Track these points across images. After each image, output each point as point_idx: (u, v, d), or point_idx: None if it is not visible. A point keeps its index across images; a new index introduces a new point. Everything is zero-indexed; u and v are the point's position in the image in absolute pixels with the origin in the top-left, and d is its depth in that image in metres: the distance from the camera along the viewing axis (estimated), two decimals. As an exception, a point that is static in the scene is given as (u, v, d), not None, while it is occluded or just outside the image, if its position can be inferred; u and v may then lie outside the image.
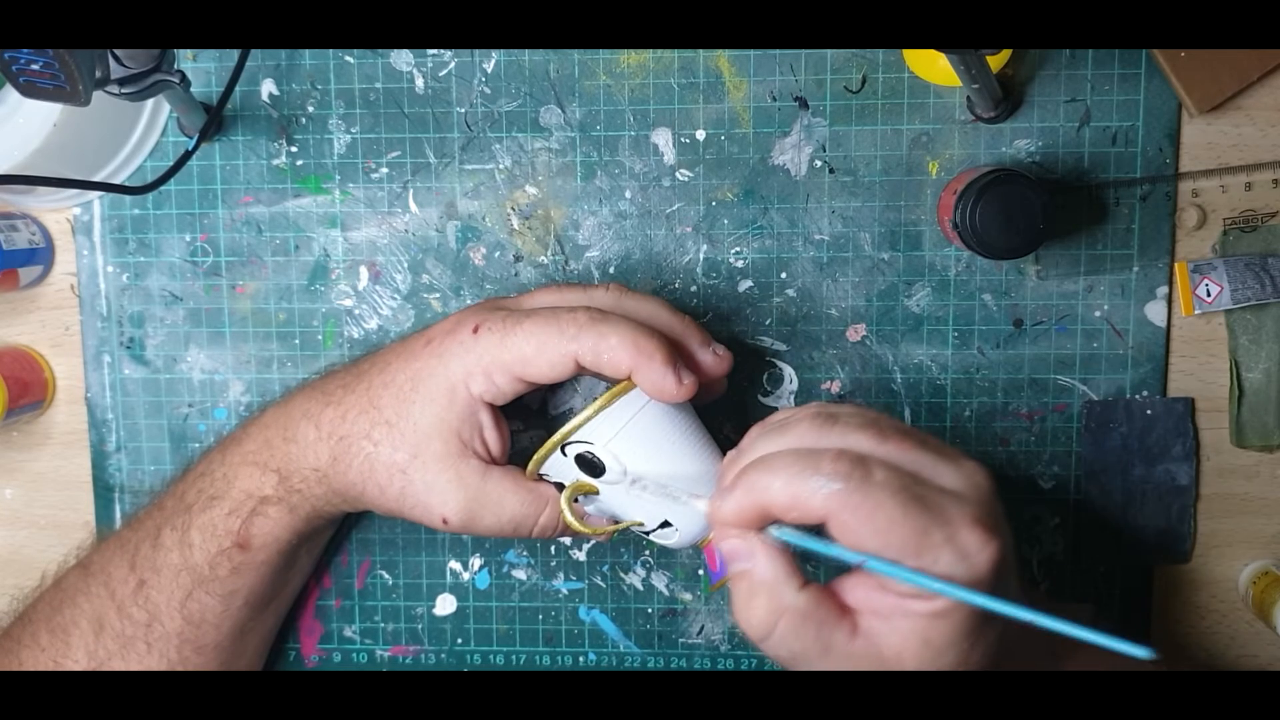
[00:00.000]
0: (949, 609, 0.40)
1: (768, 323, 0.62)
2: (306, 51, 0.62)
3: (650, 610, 0.64)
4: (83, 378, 0.65)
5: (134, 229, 0.63)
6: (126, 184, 0.58)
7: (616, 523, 0.53)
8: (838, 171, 0.61)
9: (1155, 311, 0.61)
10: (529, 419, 0.61)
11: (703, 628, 0.64)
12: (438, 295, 0.63)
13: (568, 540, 0.64)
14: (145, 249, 0.63)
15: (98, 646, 0.55)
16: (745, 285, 0.62)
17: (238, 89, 0.62)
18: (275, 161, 0.63)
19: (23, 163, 0.56)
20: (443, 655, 0.65)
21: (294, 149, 0.62)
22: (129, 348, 0.64)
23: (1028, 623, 0.38)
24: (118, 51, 0.49)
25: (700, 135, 0.61)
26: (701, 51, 0.60)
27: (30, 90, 0.45)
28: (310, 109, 0.62)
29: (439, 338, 0.52)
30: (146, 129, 0.62)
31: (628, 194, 0.62)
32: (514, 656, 0.65)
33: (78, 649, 0.55)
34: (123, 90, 0.50)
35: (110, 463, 0.65)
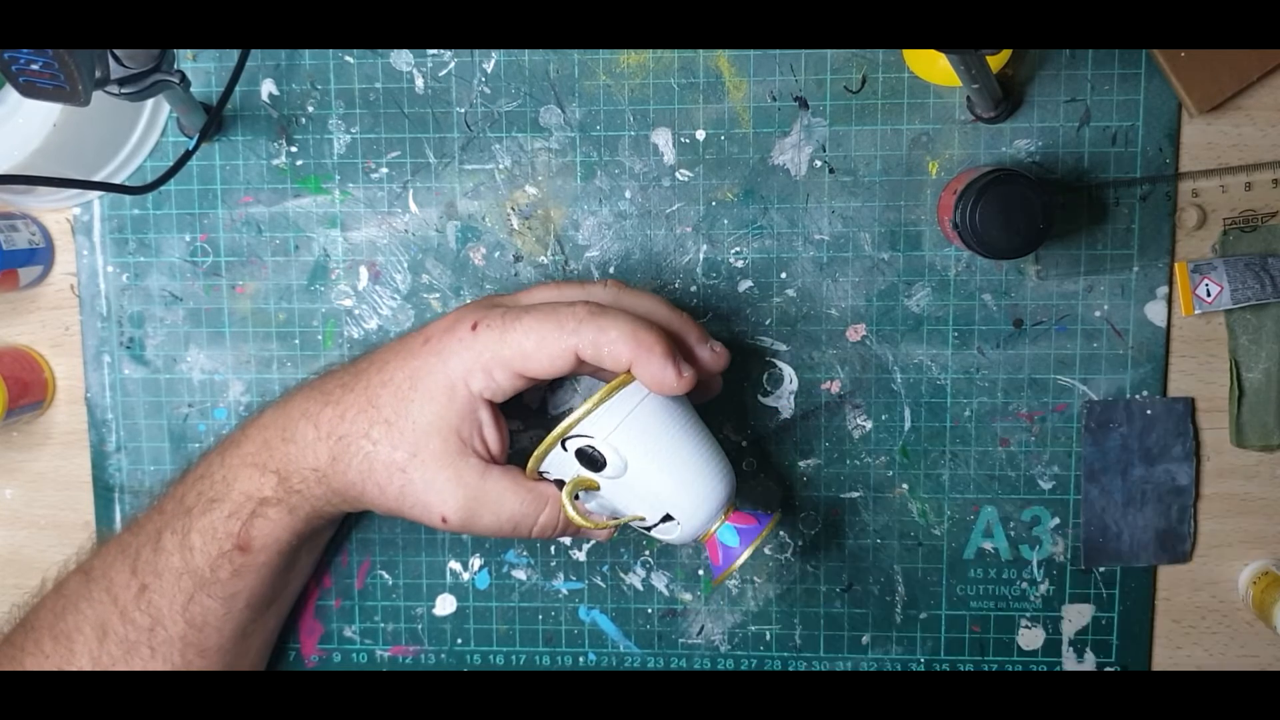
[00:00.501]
0: None
1: (768, 323, 0.62)
2: (306, 51, 0.62)
3: (650, 610, 0.64)
4: (83, 378, 0.65)
5: (134, 229, 0.63)
6: (126, 184, 0.58)
7: (617, 518, 0.53)
8: (838, 171, 0.61)
9: (1155, 311, 0.61)
10: (529, 419, 0.61)
11: (703, 628, 0.64)
12: (438, 295, 0.63)
13: (567, 540, 0.64)
14: (145, 249, 0.63)
15: (102, 652, 0.55)
16: (745, 285, 0.62)
17: (238, 89, 0.62)
18: (275, 161, 0.63)
19: (23, 163, 0.56)
20: (443, 655, 0.65)
21: (294, 149, 0.62)
22: (129, 348, 0.64)
23: None
24: (118, 51, 0.49)
25: (700, 135, 0.61)
26: (701, 51, 0.60)
27: (30, 90, 0.45)
28: (310, 109, 0.62)
29: (437, 335, 0.52)
30: (146, 129, 0.62)
31: (628, 194, 0.62)
32: (514, 657, 0.65)
33: (82, 656, 0.55)
34: (123, 90, 0.50)
35: (110, 463, 0.65)
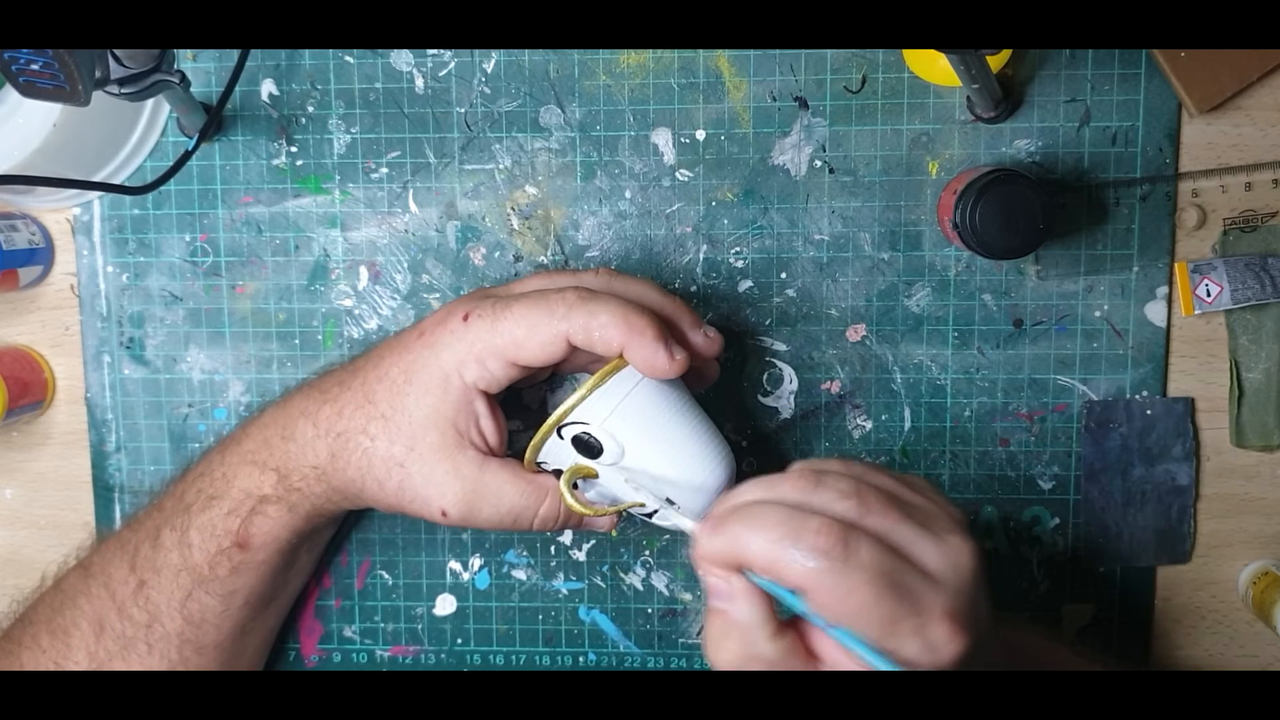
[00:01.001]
0: None
1: (768, 323, 0.62)
2: (306, 51, 0.62)
3: (650, 610, 0.64)
4: (83, 378, 0.65)
5: (134, 229, 0.63)
6: (126, 184, 0.58)
7: (618, 505, 0.53)
8: (838, 171, 0.61)
9: (1155, 311, 0.61)
10: (529, 419, 0.61)
11: (703, 628, 0.64)
12: (438, 295, 0.63)
13: (567, 540, 0.64)
14: (145, 249, 0.63)
15: (98, 648, 0.55)
16: (745, 285, 0.62)
17: (238, 89, 0.62)
18: (275, 161, 0.63)
19: (23, 163, 0.56)
20: (443, 655, 0.65)
21: (294, 149, 0.62)
22: (129, 348, 0.64)
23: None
24: (118, 51, 0.49)
25: (700, 135, 0.61)
26: (701, 51, 0.60)
27: (30, 90, 0.45)
28: (310, 109, 0.62)
29: (430, 329, 0.52)
30: (146, 129, 0.62)
31: (628, 194, 0.62)
32: (514, 657, 0.65)
33: (79, 650, 0.55)
34: (123, 90, 0.50)
35: (110, 463, 0.65)
